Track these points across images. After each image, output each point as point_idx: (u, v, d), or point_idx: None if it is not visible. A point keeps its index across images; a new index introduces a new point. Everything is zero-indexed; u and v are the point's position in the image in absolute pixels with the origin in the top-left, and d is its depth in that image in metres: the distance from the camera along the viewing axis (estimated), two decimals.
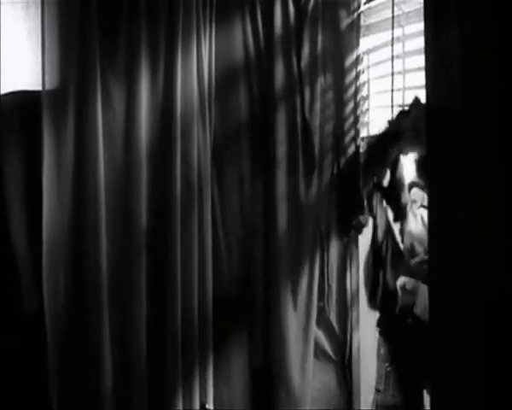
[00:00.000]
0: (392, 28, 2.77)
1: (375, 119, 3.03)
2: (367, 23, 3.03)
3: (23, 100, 2.67)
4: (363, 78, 3.07)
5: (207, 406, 2.78)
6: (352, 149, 2.96)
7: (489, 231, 1.47)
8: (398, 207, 2.83)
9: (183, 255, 2.75)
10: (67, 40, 2.64)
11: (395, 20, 2.78)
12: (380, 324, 2.93)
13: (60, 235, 2.65)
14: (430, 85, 1.78)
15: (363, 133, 3.05)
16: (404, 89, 2.83)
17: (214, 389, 2.81)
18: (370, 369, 2.99)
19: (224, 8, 2.82)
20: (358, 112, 2.97)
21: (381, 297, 2.91)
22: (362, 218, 2.88)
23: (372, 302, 2.98)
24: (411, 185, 2.79)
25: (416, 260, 2.82)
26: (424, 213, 2.82)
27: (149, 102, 2.74)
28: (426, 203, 2.87)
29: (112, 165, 2.71)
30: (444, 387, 1.61)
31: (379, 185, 2.87)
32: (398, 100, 2.81)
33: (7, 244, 2.64)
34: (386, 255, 2.90)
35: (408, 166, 2.82)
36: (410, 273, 2.80)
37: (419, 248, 2.81)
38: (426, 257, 2.70)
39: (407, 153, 2.78)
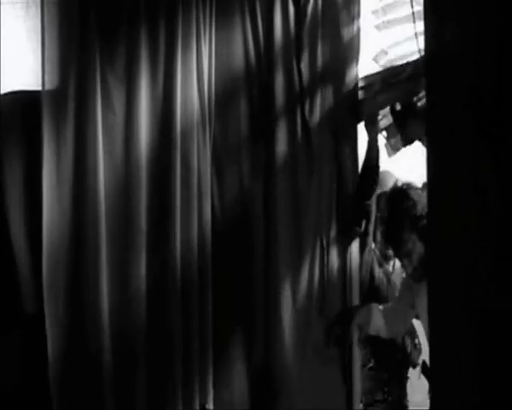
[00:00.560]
0: (414, 22, 2.75)
1: None
2: (388, 18, 3.02)
3: (23, 100, 2.68)
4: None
5: (207, 406, 2.78)
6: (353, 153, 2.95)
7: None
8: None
9: (182, 257, 2.74)
10: (67, 40, 2.64)
11: (416, 15, 2.76)
12: None
13: (60, 235, 2.65)
14: (430, 85, 1.78)
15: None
16: None
17: (214, 390, 2.80)
18: None
19: (224, 10, 2.81)
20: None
21: None
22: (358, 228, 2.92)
23: None
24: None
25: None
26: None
27: (149, 102, 2.74)
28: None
29: (111, 166, 2.71)
30: (442, 385, 1.62)
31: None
32: None
33: (7, 245, 2.64)
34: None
35: None
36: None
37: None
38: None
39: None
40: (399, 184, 2.85)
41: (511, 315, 1.40)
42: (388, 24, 3.00)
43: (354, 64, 2.92)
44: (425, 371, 2.76)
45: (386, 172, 3.10)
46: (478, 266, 1.48)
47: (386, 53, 3.07)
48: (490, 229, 1.46)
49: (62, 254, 2.65)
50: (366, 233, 3.00)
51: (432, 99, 1.79)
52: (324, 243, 2.89)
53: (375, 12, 2.98)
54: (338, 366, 2.90)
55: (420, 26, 2.75)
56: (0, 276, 2.66)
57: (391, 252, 2.99)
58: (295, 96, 2.86)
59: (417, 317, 2.81)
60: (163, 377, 2.71)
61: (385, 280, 3.09)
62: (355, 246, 2.93)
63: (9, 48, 2.65)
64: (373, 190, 2.90)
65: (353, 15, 2.90)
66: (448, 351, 1.59)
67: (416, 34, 2.57)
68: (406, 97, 2.66)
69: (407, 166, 3.39)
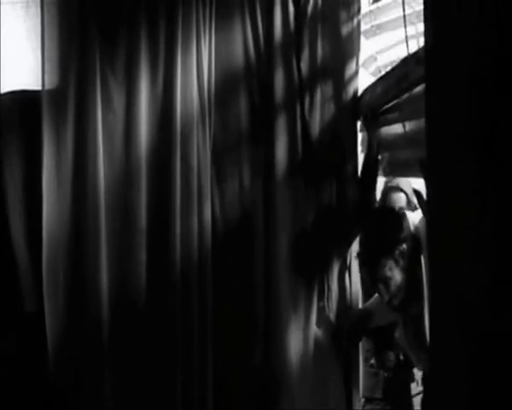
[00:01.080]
0: (405, 26, 2.73)
1: None
2: (378, 22, 3.00)
3: (23, 99, 2.68)
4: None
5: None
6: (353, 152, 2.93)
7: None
8: None
9: (182, 256, 2.74)
10: (67, 40, 2.65)
11: (406, 18, 2.74)
12: None
13: (60, 235, 2.65)
14: (430, 85, 1.76)
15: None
16: None
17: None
18: None
19: (224, 10, 2.81)
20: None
21: None
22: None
23: None
24: None
25: None
26: None
27: (149, 102, 2.74)
28: None
29: (111, 165, 2.71)
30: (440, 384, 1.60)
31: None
32: None
33: (7, 245, 2.64)
34: None
35: None
36: None
37: None
38: None
39: None
40: (391, 203, 2.79)
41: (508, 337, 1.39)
42: (378, 30, 2.98)
43: (354, 62, 2.91)
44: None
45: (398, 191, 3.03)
46: (475, 288, 1.46)
47: (375, 59, 3.06)
48: (490, 250, 1.44)
49: (62, 253, 2.65)
50: None
51: (432, 100, 1.77)
52: (324, 241, 2.87)
53: (364, 17, 2.96)
54: (339, 365, 2.89)
55: (411, 30, 2.74)
56: (0, 274, 2.66)
57: None
58: (295, 94, 2.85)
59: None
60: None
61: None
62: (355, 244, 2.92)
63: (9, 48, 2.65)
64: (374, 185, 2.87)
65: (353, 14, 2.89)
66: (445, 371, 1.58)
67: (406, 38, 2.55)
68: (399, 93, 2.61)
69: None
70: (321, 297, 2.88)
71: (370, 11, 3.00)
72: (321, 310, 2.87)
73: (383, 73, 2.81)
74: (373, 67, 3.12)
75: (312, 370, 2.84)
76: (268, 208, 2.83)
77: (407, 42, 2.49)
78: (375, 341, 2.96)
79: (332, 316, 2.89)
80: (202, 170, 2.78)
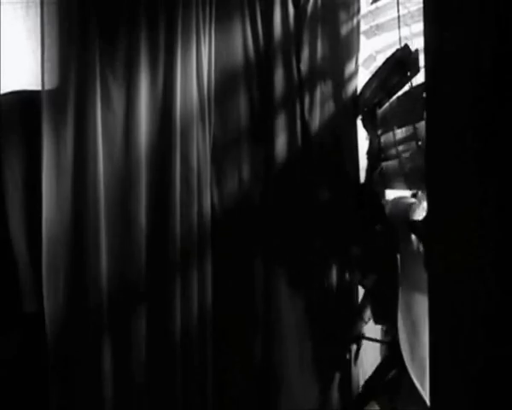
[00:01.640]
0: (399, 28, 2.74)
1: None
2: (377, 22, 3.01)
3: (23, 100, 2.68)
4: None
5: None
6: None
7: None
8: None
9: (182, 256, 2.74)
10: (67, 40, 2.65)
11: (401, 19, 2.75)
12: None
13: (59, 235, 2.65)
14: (430, 86, 1.77)
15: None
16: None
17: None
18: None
19: (224, 10, 2.81)
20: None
21: None
22: None
23: None
24: None
25: None
26: None
27: (149, 101, 2.74)
28: None
29: (111, 165, 2.71)
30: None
31: None
32: None
33: (7, 244, 2.64)
34: None
35: None
36: None
37: None
38: None
39: None
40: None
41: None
42: (377, 30, 2.99)
43: (353, 62, 2.92)
44: None
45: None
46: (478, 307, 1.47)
47: (374, 59, 3.07)
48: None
49: (62, 253, 2.65)
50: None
51: (432, 101, 1.77)
52: (324, 239, 2.88)
53: (363, 17, 2.97)
54: (339, 363, 2.90)
55: (405, 31, 2.75)
56: (0, 272, 2.66)
57: None
58: (295, 94, 2.86)
59: None
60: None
61: None
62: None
63: (9, 48, 2.65)
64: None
65: (353, 14, 2.90)
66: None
67: (400, 39, 2.56)
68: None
69: None
70: (320, 293, 2.88)
71: (369, 12, 3.01)
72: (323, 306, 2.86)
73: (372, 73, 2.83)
74: (372, 67, 3.12)
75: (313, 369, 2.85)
76: (267, 207, 2.83)
77: (400, 43, 2.50)
78: None
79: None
80: (202, 169, 2.79)
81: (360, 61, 2.98)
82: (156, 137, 2.75)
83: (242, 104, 2.85)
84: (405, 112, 2.47)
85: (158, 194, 2.75)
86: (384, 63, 2.57)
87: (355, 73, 2.94)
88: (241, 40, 2.84)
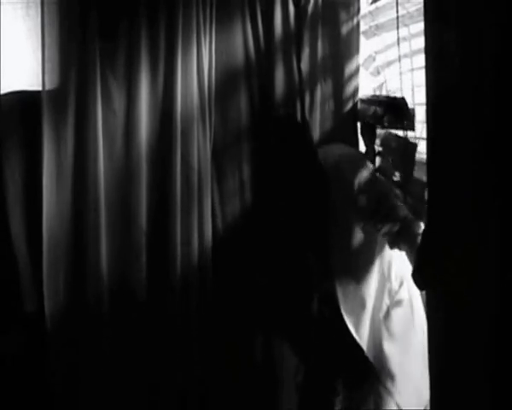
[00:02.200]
0: (398, 28, 2.75)
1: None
2: (376, 23, 3.02)
3: (23, 100, 2.67)
4: (379, 78, 3.08)
5: None
6: None
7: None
8: None
9: (182, 254, 2.75)
10: (67, 40, 2.64)
11: (400, 19, 2.76)
12: None
13: (60, 235, 2.65)
14: (430, 85, 1.77)
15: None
16: (413, 87, 2.81)
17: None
18: None
19: (224, 9, 2.81)
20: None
21: None
22: None
23: None
24: None
25: None
26: None
27: (149, 101, 2.74)
28: None
29: (112, 165, 2.71)
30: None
31: None
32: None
33: (7, 244, 2.64)
34: None
35: None
36: None
37: None
38: None
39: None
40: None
41: None
42: (376, 30, 3.00)
43: (354, 62, 2.93)
44: None
45: None
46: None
47: (374, 59, 3.09)
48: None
49: (62, 253, 2.65)
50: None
51: (432, 102, 1.78)
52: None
53: (363, 17, 2.98)
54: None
55: (403, 31, 2.76)
56: (0, 272, 2.65)
57: None
58: (295, 94, 2.86)
59: None
60: None
61: None
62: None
63: (9, 48, 2.64)
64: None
65: (353, 14, 2.91)
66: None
67: (398, 40, 2.58)
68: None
69: None
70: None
71: (369, 12, 3.02)
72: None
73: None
74: (372, 67, 3.14)
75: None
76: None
77: (399, 44, 2.52)
78: None
79: None
80: (202, 168, 2.79)
81: (360, 61, 2.99)
82: (157, 136, 2.75)
83: (243, 103, 2.85)
84: (398, 159, 2.51)
85: (158, 192, 2.75)
86: (383, 102, 2.59)
87: (355, 72, 2.95)
88: (241, 40, 2.84)
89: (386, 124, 2.72)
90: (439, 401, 1.79)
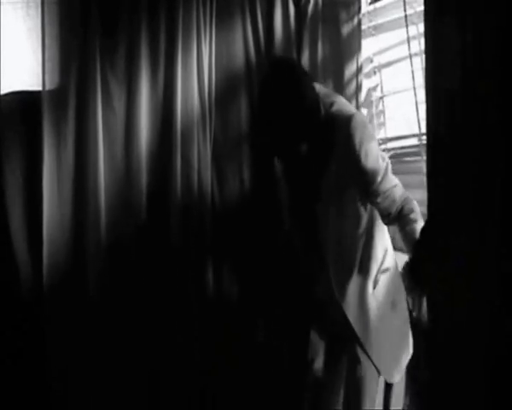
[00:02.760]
0: (407, 26, 2.74)
1: (393, 118, 3.04)
2: (374, 23, 3.02)
3: (23, 100, 2.67)
4: (375, 79, 3.08)
5: None
6: None
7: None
8: None
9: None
10: (68, 40, 2.64)
11: (408, 18, 2.76)
12: None
13: (60, 235, 2.65)
14: (430, 87, 1.77)
15: (381, 134, 3.06)
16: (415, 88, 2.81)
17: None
18: None
19: (225, 8, 2.81)
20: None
21: None
22: None
23: None
24: None
25: None
26: None
27: (149, 101, 2.74)
28: None
29: (112, 165, 2.71)
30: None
31: None
32: (420, 97, 2.76)
33: (7, 244, 2.64)
34: None
35: None
36: None
37: None
38: None
39: None
40: None
41: None
42: (374, 31, 3.00)
43: (354, 62, 2.93)
44: None
45: None
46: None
47: (371, 60, 3.08)
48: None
49: (63, 253, 2.65)
50: None
51: (432, 103, 1.78)
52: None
53: (362, 17, 2.98)
54: None
55: (412, 30, 2.75)
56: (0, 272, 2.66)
57: None
58: None
59: None
60: None
61: None
62: None
63: (9, 48, 2.64)
64: None
65: (353, 14, 2.91)
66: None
67: (408, 39, 2.57)
68: None
69: None
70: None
71: (368, 12, 3.02)
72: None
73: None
74: (369, 68, 3.14)
75: None
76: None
77: (409, 42, 2.51)
78: None
79: None
80: (203, 168, 2.79)
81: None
82: (157, 134, 2.75)
83: (243, 103, 2.85)
84: None
85: (159, 192, 2.75)
86: None
87: (356, 72, 2.94)
88: (241, 39, 2.84)
89: None
90: (440, 400, 1.79)
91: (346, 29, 2.91)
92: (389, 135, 3.08)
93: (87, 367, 2.68)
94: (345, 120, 2.21)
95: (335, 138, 2.23)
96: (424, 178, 1.77)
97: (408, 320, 2.46)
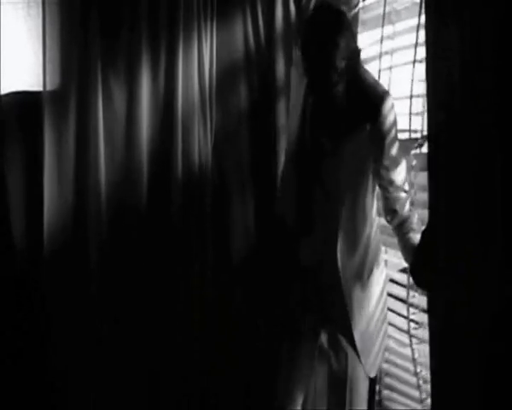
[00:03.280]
0: (383, 26, 2.76)
1: None
2: (360, 20, 3.03)
3: (24, 100, 2.68)
4: None
5: None
6: None
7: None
8: None
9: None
10: (68, 40, 2.65)
11: (386, 17, 2.77)
12: None
13: (61, 235, 2.66)
14: (431, 81, 1.77)
15: None
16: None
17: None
18: None
19: (225, 7, 2.82)
20: None
21: None
22: None
23: None
24: None
25: None
26: None
27: (150, 100, 2.75)
28: None
29: (113, 164, 2.72)
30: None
31: None
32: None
33: (7, 244, 2.64)
34: None
35: None
36: None
37: None
38: None
39: None
40: None
41: None
42: (360, 27, 3.01)
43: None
44: None
45: None
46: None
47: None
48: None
49: (63, 253, 2.66)
50: None
51: (432, 100, 1.78)
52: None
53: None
54: None
55: (388, 29, 2.76)
56: (1, 273, 2.65)
57: None
58: None
59: None
60: None
61: None
62: None
63: (10, 48, 2.65)
64: None
65: (352, 9, 2.91)
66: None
67: (381, 38, 2.57)
68: None
69: None
70: None
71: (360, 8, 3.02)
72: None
73: None
74: None
75: None
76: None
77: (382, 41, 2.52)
78: None
79: None
80: (204, 164, 2.79)
81: None
82: (158, 133, 2.76)
83: (243, 100, 2.85)
84: None
85: (160, 190, 2.75)
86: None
87: None
88: (242, 37, 2.84)
89: None
90: (440, 400, 1.79)
91: None
92: None
93: (87, 367, 2.68)
94: (380, 93, 2.21)
95: (367, 105, 2.21)
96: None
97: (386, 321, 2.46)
